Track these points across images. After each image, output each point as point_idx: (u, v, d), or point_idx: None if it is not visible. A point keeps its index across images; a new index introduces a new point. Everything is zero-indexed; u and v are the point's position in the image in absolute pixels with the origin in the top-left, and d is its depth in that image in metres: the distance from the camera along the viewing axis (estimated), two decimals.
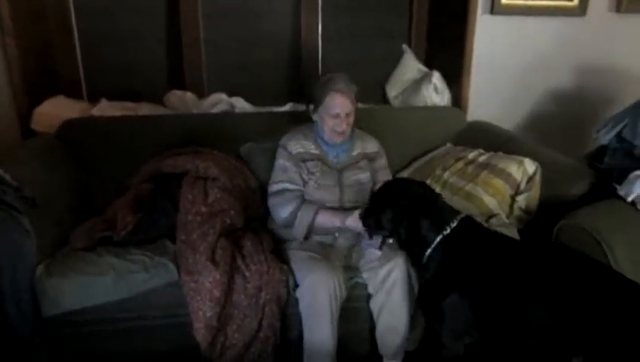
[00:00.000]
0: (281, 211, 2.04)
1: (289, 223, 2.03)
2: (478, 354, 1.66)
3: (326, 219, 2.00)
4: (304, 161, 2.10)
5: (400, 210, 1.71)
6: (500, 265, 1.55)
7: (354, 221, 1.93)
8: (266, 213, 2.18)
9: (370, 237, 1.88)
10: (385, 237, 1.88)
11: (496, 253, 1.58)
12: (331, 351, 1.85)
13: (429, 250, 1.64)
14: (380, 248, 1.90)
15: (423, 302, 1.72)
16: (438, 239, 1.63)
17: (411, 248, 1.73)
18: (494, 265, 1.56)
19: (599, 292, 1.39)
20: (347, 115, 2.05)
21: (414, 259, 1.74)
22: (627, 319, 1.32)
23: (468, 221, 1.68)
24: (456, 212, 1.71)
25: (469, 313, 1.57)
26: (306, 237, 2.03)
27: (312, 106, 2.12)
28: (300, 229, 2.01)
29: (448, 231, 1.63)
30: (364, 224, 1.85)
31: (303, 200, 2.05)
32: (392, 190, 1.80)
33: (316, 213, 2.00)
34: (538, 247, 1.70)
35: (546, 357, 1.44)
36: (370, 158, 2.18)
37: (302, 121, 2.24)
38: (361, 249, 2.04)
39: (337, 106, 2.03)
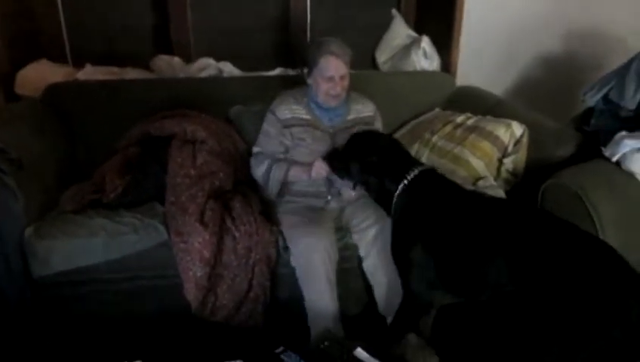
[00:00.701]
0: (257, 171, 2.08)
1: (265, 182, 2.06)
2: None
3: (297, 173, 2.03)
4: (291, 126, 2.10)
5: (366, 163, 1.79)
6: (458, 216, 1.57)
7: (316, 171, 1.98)
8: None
9: (342, 178, 1.96)
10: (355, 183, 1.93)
11: (455, 205, 1.61)
12: (334, 313, 1.87)
13: (393, 201, 1.71)
14: (354, 188, 1.94)
15: (393, 251, 1.76)
16: (399, 189, 1.70)
17: (380, 200, 1.82)
18: (453, 216, 1.58)
19: (557, 246, 1.36)
20: (342, 77, 2.03)
21: (386, 210, 1.81)
22: (584, 270, 1.28)
23: (429, 173, 1.73)
24: (419, 164, 1.77)
25: (432, 263, 1.59)
26: (281, 195, 2.06)
27: (306, 70, 2.11)
28: (273, 186, 2.04)
29: (406, 182, 1.70)
30: (332, 169, 1.94)
31: (276, 160, 2.07)
32: (360, 142, 1.87)
33: (288, 170, 2.02)
34: (497, 201, 1.75)
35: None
36: (366, 122, 2.17)
37: (291, 85, 2.22)
38: (354, 206, 2.06)
39: (332, 69, 2.01)
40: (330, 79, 2.02)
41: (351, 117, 2.15)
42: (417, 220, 1.65)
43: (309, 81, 2.11)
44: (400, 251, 1.70)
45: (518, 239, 1.41)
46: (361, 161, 1.81)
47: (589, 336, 1.20)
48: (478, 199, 1.67)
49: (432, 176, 1.72)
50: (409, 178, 1.70)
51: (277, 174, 2.03)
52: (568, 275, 1.28)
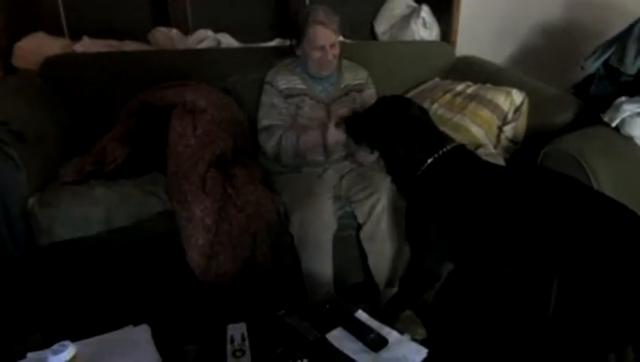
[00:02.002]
0: (269, 144, 2.06)
1: (277, 153, 2.05)
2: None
3: (310, 139, 2.00)
4: (289, 96, 2.10)
5: (394, 132, 1.68)
6: (489, 194, 1.52)
7: (333, 138, 1.94)
8: (255, 145, 2.19)
9: (359, 143, 1.90)
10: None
11: (485, 183, 1.55)
12: (329, 280, 1.91)
13: (419, 172, 1.63)
14: (372, 152, 1.92)
15: (409, 224, 1.74)
16: (427, 163, 1.61)
17: (401, 169, 1.71)
18: (483, 194, 1.53)
19: (581, 216, 1.34)
20: (331, 45, 2.03)
21: (402, 182, 1.74)
22: (610, 241, 1.26)
23: (460, 149, 1.65)
24: (450, 139, 1.70)
25: (455, 239, 1.58)
26: (297, 164, 2.04)
27: (294, 41, 2.09)
28: (288, 153, 2.02)
29: (437, 156, 1.61)
30: (351, 133, 1.87)
31: (286, 131, 2.05)
32: (389, 108, 1.76)
33: (298, 137, 2.01)
34: (529, 177, 1.62)
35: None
36: (358, 90, 2.17)
37: (289, 56, 2.21)
38: (353, 175, 2.06)
39: (320, 38, 2.00)
40: (321, 48, 2.01)
41: (343, 85, 2.15)
42: (443, 196, 1.59)
43: (299, 52, 2.10)
44: (417, 226, 1.67)
45: (549, 216, 1.38)
46: (389, 129, 1.69)
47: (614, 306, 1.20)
48: (507, 174, 1.61)
49: (463, 152, 1.64)
50: (440, 153, 1.61)
51: (289, 141, 2.01)
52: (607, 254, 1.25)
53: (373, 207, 1.93)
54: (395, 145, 1.68)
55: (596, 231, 1.29)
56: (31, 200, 1.82)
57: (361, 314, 1.45)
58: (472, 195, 1.54)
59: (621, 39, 2.09)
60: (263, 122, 2.11)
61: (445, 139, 1.67)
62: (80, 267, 1.89)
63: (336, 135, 1.94)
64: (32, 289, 1.82)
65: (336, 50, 2.06)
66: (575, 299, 1.27)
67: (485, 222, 1.50)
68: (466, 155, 1.65)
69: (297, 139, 2.01)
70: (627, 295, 1.20)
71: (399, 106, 1.75)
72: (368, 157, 2.03)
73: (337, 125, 1.92)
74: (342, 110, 2.02)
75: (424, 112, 1.78)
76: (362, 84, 2.20)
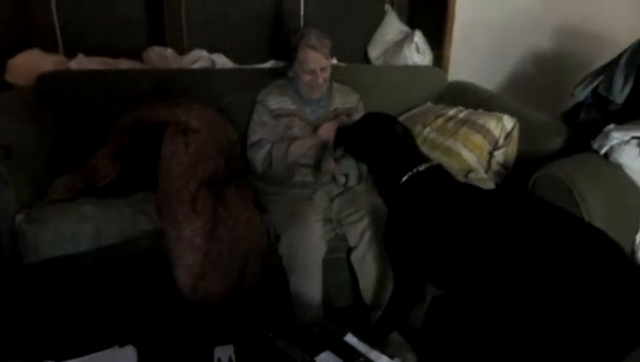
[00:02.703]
0: (258, 157, 2.06)
1: (267, 166, 2.04)
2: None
3: (299, 145, 2.01)
4: (279, 116, 2.11)
5: (377, 143, 1.72)
6: (462, 213, 1.52)
7: (326, 129, 1.94)
8: (246, 166, 2.19)
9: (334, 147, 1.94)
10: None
11: (459, 202, 1.56)
12: (318, 303, 1.89)
13: (395, 190, 1.64)
14: (335, 158, 1.96)
15: (387, 239, 1.71)
16: (403, 179, 1.63)
17: (382, 183, 1.74)
18: (457, 213, 1.53)
19: (564, 244, 1.31)
20: (322, 69, 2.05)
21: (384, 196, 1.76)
22: (590, 267, 1.25)
23: (436, 169, 1.67)
24: (428, 159, 1.71)
25: (430, 258, 1.56)
26: (286, 181, 2.03)
27: (287, 63, 2.12)
28: (277, 165, 2.02)
29: (413, 173, 1.62)
30: (337, 138, 1.89)
31: (276, 142, 2.06)
32: (374, 122, 1.80)
33: (289, 145, 2.01)
34: (503, 198, 1.64)
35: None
36: (348, 114, 2.19)
37: (283, 77, 2.23)
38: (344, 198, 2.07)
39: (311, 62, 2.03)
40: (312, 72, 2.04)
41: (332, 107, 2.17)
42: (419, 213, 1.60)
43: (290, 74, 2.12)
44: (396, 240, 1.67)
45: (523, 237, 1.37)
46: (371, 144, 1.74)
47: (592, 333, 1.19)
48: (483, 196, 1.61)
49: (439, 172, 1.66)
50: (416, 171, 1.62)
51: (279, 153, 2.01)
52: (574, 273, 1.25)
53: (364, 231, 1.93)
54: (375, 161, 1.73)
55: (561, 252, 1.29)
56: (18, 217, 1.80)
57: (351, 338, 1.44)
58: (442, 215, 1.55)
59: (609, 68, 2.13)
60: (252, 138, 2.13)
61: (421, 158, 1.69)
62: (66, 285, 1.86)
63: (329, 128, 1.93)
64: (16, 307, 1.78)
65: (327, 74, 2.08)
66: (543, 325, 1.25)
67: (455, 243, 1.50)
68: (440, 175, 1.66)
69: (288, 146, 2.01)
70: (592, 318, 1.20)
71: (382, 123, 1.79)
72: (331, 165, 2.03)
73: (333, 120, 1.95)
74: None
75: (407, 131, 1.82)
76: (352, 108, 2.22)
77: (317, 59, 2.03)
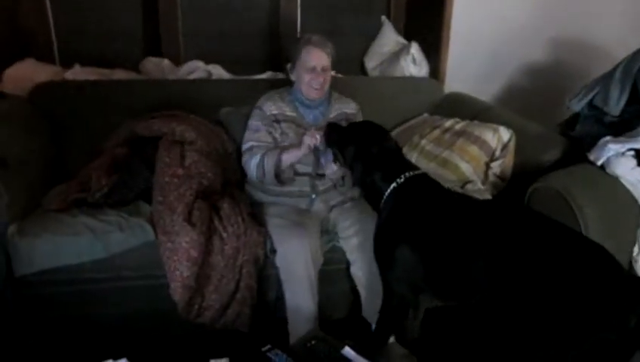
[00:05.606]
0: (251, 164, 2.05)
1: (259, 173, 2.03)
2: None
3: (290, 154, 2.00)
4: (278, 121, 2.11)
5: (362, 153, 1.76)
6: (449, 220, 1.54)
7: (309, 136, 1.93)
8: (243, 177, 2.18)
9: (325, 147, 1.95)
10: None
11: (446, 209, 1.58)
12: (313, 315, 1.88)
13: (382, 199, 1.69)
14: (334, 161, 1.94)
15: (376, 248, 1.72)
16: (390, 188, 1.68)
17: (367, 193, 1.80)
18: (444, 219, 1.55)
19: (552, 248, 1.32)
20: (323, 69, 2.06)
21: (371, 204, 1.80)
22: (579, 273, 1.25)
23: (422, 177, 1.71)
24: (414, 167, 1.75)
25: (418, 265, 1.56)
26: (281, 181, 2.03)
27: (289, 65, 2.13)
28: (269, 173, 2.00)
29: (399, 182, 1.67)
30: (326, 138, 1.91)
31: (269, 149, 2.05)
32: (366, 129, 1.85)
33: (281, 153, 2.00)
34: (489, 205, 1.72)
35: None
36: (348, 120, 2.19)
37: (279, 88, 2.23)
38: (342, 209, 2.06)
39: (313, 59, 2.04)
40: (313, 70, 2.05)
41: (333, 114, 2.17)
42: (406, 221, 1.63)
43: (292, 77, 2.13)
44: (384, 248, 1.68)
45: (510, 242, 1.37)
46: (360, 146, 1.77)
47: (581, 338, 1.18)
48: (469, 203, 1.63)
49: (425, 180, 1.70)
50: (402, 179, 1.67)
51: (270, 160, 2.00)
52: (563, 279, 1.24)
53: (362, 244, 1.91)
54: (362, 167, 1.76)
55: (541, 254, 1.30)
56: (11, 228, 1.78)
57: (348, 352, 1.42)
58: (428, 222, 1.57)
59: (605, 80, 2.13)
60: (246, 145, 2.12)
61: (409, 167, 1.73)
62: (59, 297, 1.84)
63: (312, 136, 1.92)
64: (9, 320, 1.75)
65: (328, 76, 2.10)
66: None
67: (441, 250, 1.51)
68: (426, 183, 1.69)
69: (279, 154, 2.00)
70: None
71: (374, 132, 1.83)
72: (331, 166, 2.01)
73: (317, 130, 1.96)
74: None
75: (396, 145, 1.84)
76: (353, 114, 2.22)
77: (319, 57, 2.04)
